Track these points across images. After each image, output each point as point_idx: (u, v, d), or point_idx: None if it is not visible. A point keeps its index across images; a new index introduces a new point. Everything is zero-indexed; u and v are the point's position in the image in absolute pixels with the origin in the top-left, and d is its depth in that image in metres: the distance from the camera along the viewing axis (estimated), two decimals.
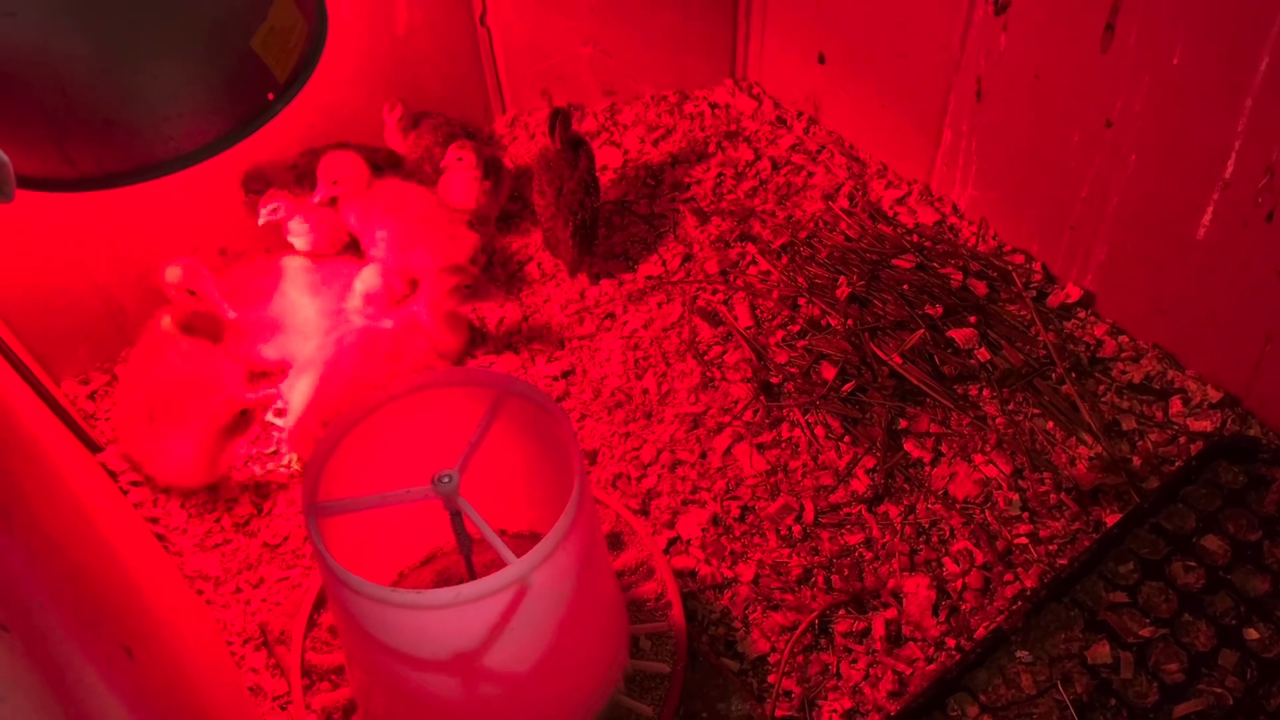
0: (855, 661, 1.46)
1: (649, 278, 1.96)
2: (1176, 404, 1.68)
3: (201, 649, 1.39)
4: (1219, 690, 1.34)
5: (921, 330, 1.76)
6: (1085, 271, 1.80)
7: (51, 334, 1.78)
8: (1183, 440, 1.64)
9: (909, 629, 1.48)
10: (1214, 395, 1.67)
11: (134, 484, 1.70)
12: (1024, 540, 1.55)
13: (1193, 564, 1.45)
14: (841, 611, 1.50)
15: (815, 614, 1.49)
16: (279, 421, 1.77)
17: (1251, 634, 1.38)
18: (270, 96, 1.20)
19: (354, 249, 1.95)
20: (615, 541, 1.59)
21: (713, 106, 2.27)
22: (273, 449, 1.75)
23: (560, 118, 1.89)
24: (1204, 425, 1.65)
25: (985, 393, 1.73)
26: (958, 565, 1.53)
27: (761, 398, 1.75)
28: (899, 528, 1.59)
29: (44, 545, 0.92)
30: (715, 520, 1.61)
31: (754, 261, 1.97)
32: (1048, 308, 1.82)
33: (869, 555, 1.56)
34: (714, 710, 1.40)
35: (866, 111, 2.08)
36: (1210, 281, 1.60)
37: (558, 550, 1.08)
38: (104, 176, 1.15)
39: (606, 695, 1.33)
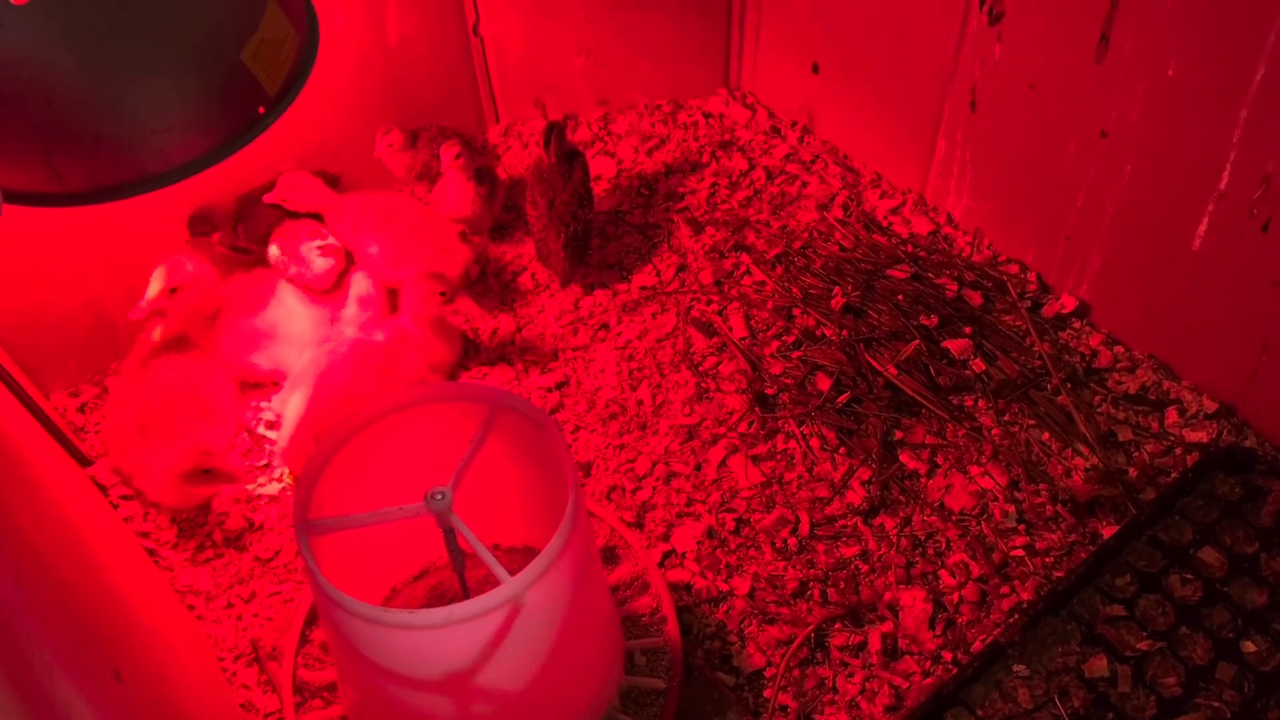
0: (851, 675, 1.45)
1: (643, 288, 1.96)
2: (1172, 415, 1.68)
3: (192, 666, 1.38)
4: (1216, 704, 1.33)
5: (916, 341, 1.76)
6: (1080, 281, 1.79)
7: (41, 347, 1.76)
8: (1179, 451, 1.63)
9: (905, 642, 1.47)
10: (1210, 406, 1.67)
11: (124, 498, 1.69)
12: (1020, 552, 1.55)
13: (1190, 576, 1.44)
14: (838, 625, 1.50)
15: (811, 627, 1.48)
16: (271, 434, 1.76)
17: (1249, 647, 1.37)
18: (261, 110, 1.19)
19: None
20: (610, 555, 1.58)
21: (706, 116, 2.26)
22: (264, 462, 1.74)
23: (556, 131, 1.88)
24: (1200, 436, 1.64)
25: (981, 404, 1.72)
26: (954, 578, 1.53)
27: (756, 409, 1.74)
28: (895, 540, 1.58)
29: (33, 566, 0.91)
30: (710, 533, 1.60)
31: (748, 272, 1.96)
32: (1043, 318, 1.81)
33: (865, 568, 1.56)
34: None
35: (861, 121, 2.08)
36: (1205, 292, 1.60)
37: (552, 568, 1.07)
38: (93, 191, 1.14)
39: (601, 712, 1.32)
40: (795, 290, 1.90)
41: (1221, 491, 1.53)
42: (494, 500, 1.34)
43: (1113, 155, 1.61)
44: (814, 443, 1.70)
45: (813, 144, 2.18)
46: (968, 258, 1.93)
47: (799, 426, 1.72)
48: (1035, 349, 1.76)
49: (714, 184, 2.13)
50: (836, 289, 1.87)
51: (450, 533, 1.16)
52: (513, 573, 1.05)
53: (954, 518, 1.60)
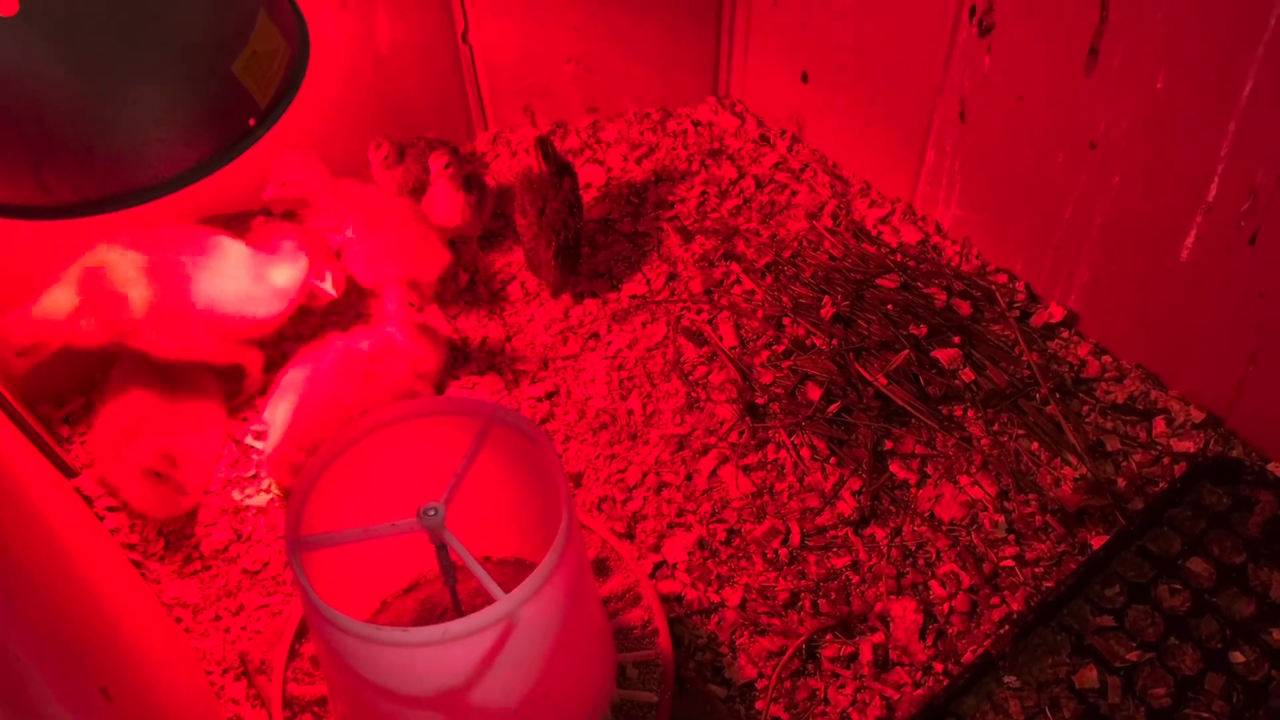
0: (843, 687, 1.45)
1: (633, 297, 1.95)
2: (1160, 424, 1.68)
3: (180, 681, 1.37)
4: (1206, 715, 1.34)
5: (906, 351, 1.76)
6: (1069, 291, 1.80)
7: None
8: (1166, 461, 1.64)
9: (896, 653, 1.48)
10: (1197, 416, 1.68)
11: (110, 509, 1.67)
12: (1010, 563, 1.55)
13: (1178, 587, 1.45)
14: (829, 636, 1.50)
15: (802, 639, 1.48)
16: (258, 445, 1.74)
17: (1237, 657, 1.38)
18: (252, 122, 1.18)
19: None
20: (601, 567, 1.57)
21: (696, 124, 2.26)
22: (252, 473, 1.73)
23: (545, 144, 1.88)
24: (1187, 446, 1.65)
25: (970, 413, 1.73)
26: (944, 588, 1.53)
27: (747, 419, 1.74)
28: (885, 550, 1.58)
29: (24, 588, 0.90)
30: (701, 543, 1.60)
31: (738, 281, 1.96)
32: (1031, 328, 1.82)
33: (856, 578, 1.56)
34: None
35: (850, 130, 2.08)
36: (1193, 302, 1.61)
37: (546, 584, 1.06)
38: (80, 204, 1.13)
39: None
40: (785, 299, 1.90)
41: (1209, 502, 1.55)
42: (485, 513, 1.34)
43: (1101, 166, 1.62)
44: (804, 453, 1.70)
45: (802, 153, 2.19)
46: (957, 267, 1.93)
47: (789, 436, 1.72)
48: (1024, 359, 1.77)
49: (703, 192, 2.13)
50: (826, 298, 1.87)
51: (443, 548, 1.16)
52: (504, 585, 1.04)
53: (944, 528, 1.60)
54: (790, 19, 2.05)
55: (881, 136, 2.01)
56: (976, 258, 1.94)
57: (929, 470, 1.67)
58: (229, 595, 1.58)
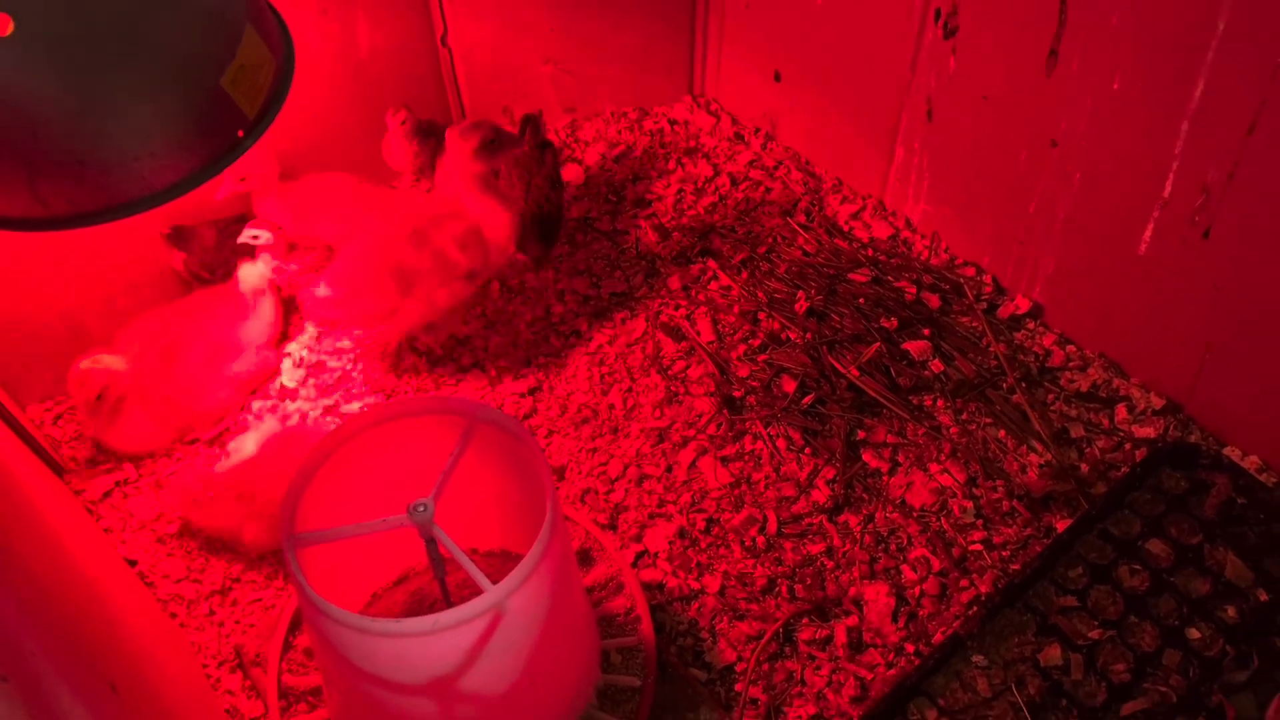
0: (819, 668, 1.50)
1: (613, 294, 2.00)
2: (1122, 411, 1.75)
3: (178, 674, 1.41)
4: (1163, 689, 1.40)
5: (878, 343, 1.82)
6: (1034, 284, 1.86)
7: (15, 359, 1.78)
8: (1128, 447, 1.71)
9: (870, 635, 1.54)
10: (1157, 403, 1.74)
11: (106, 496, 1.71)
12: (978, 547, 1.61)
13: (1138, 567, 1.51)
14: (805, 620, 1.55)
15: (780, 623, 1.54)
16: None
17: (1193, 634, 1.45)
18: (240, 133, 1.22)
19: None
20: (585, 557, 1.62)
21: (672, 123, 2.31)
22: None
23: (532, 123, 1.96)
24: (1148, 432, 1.72)
25: (939, 403, 1.79)
26: (915, 572, 1.59)
27: (724, 411, 1.80)
28: (859, 537, 1.64)
29: (32, 591, 0.95)
30: (682, 533, 1.66)
31: (715, 277, 2.02)
32: (998, 319, 1.88)
33: (830, 564, 1.61)
34: None
35: (822, 128, 2.13)
36: (1152, 294, 1.67)
37: (532, 575, 1.11)
38: (76, 216, 1.16)
39: (579, 711, 1.37)
40: (760, 294, 1.96)
41: (1168, 486, 1.61)
42: (471, 507, 1.39)
43: (1063, 164, 1.68)
44: (780, 443, 1.76)
45: (775, 150, 2.24)
46: (926, 261, 1.99)
47: (766, 428, 1.77)
48: (991, 349, 1.83)
49: (680, 190, 2.18)
50: (800, 293, 1.92)
51: (432, 542, 1.20)
52: (491, 577, 1.09)
53: (915, 514, 1.66)
54: (762, 20, 2.10)
55: (852, 134, 2.06)
56: (945, 251, 2.00)
57: (900, 459, 1.72)
58: (222, 591, 1.61)
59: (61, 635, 0.95)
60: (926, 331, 1.84)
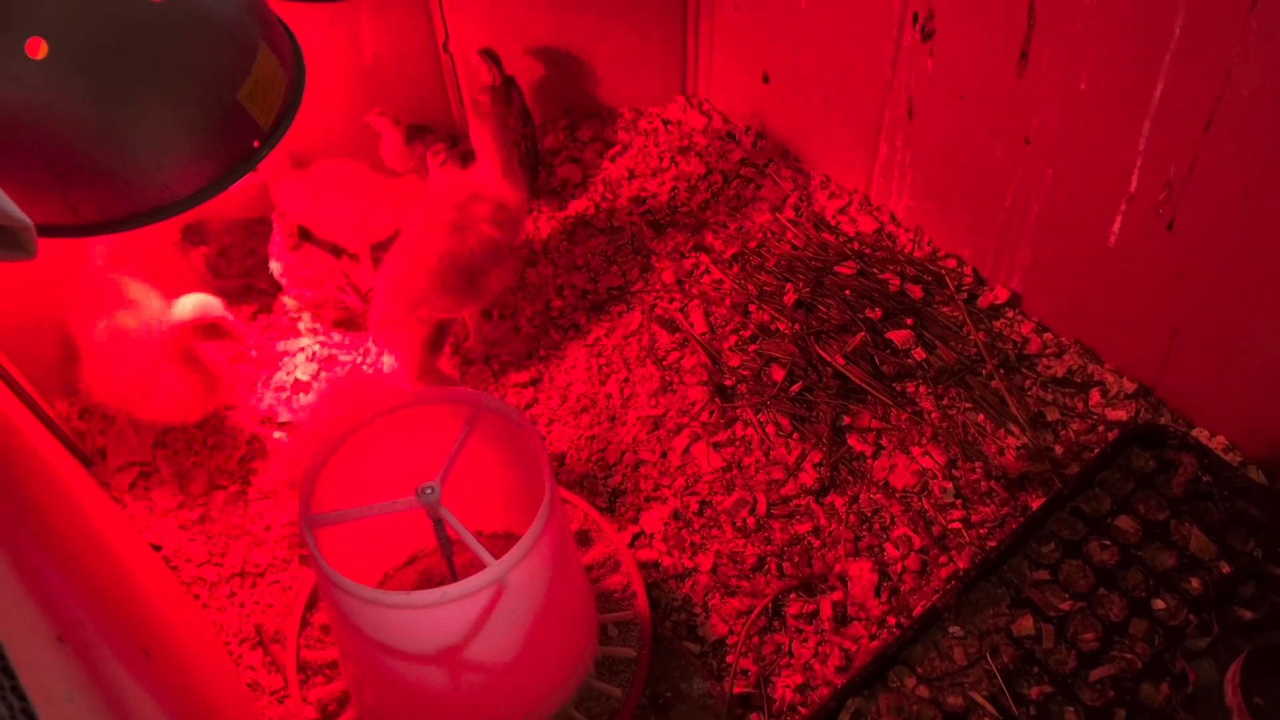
0: (806, 641, 1.59)
1: (610, 288, 2.09)
2: (1096, 395, 1.83)
3: (203, 650, 1.50)
4: (1130, 656, 1.48)
5: (862, 333, 1.90)
6: (1012, 274, 1.94)
7: (43, 356, 1.87)
8: (1101, 429, 1.79)
9: (854, 609, 1.62)
10: (1129, 387, 1.82)
11: (131, 487, 1.80)
12: (957, 525, 1.70)
13: (1108, 543, 1.59)
14: (792, 595, 1.64)
15: (769, 598, 1.63)
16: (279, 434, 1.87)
17: (1159, 604, 1.53)
18: (256, 144, 1.31)
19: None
20: (584, 538, 1.71)
21: (666, 123, 2.39)
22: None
23: (492, 56, 2.06)
24: (1120, 415, 1.80)
25: (922, 389, 1.87)
26: (898, 550, 1.68)
27: (717, 399, 1.88)
28: (844, 517, 1.73)
29: (70, 564, 1.04)
30: (676, 515, 1.74)
31: (707, 271, 2.10)
32: (978, 309, 1.97)
33: (817, 543, 1.70)
34: (677, 690, 1.53)
35: (809, 127, 2.21)
36: (1122, 283, 1.75)
37: (531, 552, 1.20)
38: (104, 223, 1.25)
39: (579, 680, 1.46)
40: (751, 287, 2.04)
41: (1137, 465, 1.69)
42: (476, 491, 1.47)
43: (1035, 160, 1.76)
44: (770, 429, 1.84)
45: (765, 148, 2.32)
46: (909, 254, 2.07)
47: (756, 415, 1.86)
48: (971, 337, 1.91)
49: (674, 188, 2.26)
50: (789, 285, 2.01)
51: (439, 523, 1.29)
52: (495, 555, 1.18)
53: (897, 495, 1.74)
54: (750, 23, 2.18)
55: (838, 132, 2.14)
56: (928, 244, 2.08)
57: (884, 442, 1.81)
58: (242, 574, 1.70)
59: (99, 605, 1.05)
60: (909, 321, 1.93)
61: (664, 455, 1.83)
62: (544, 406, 1.91)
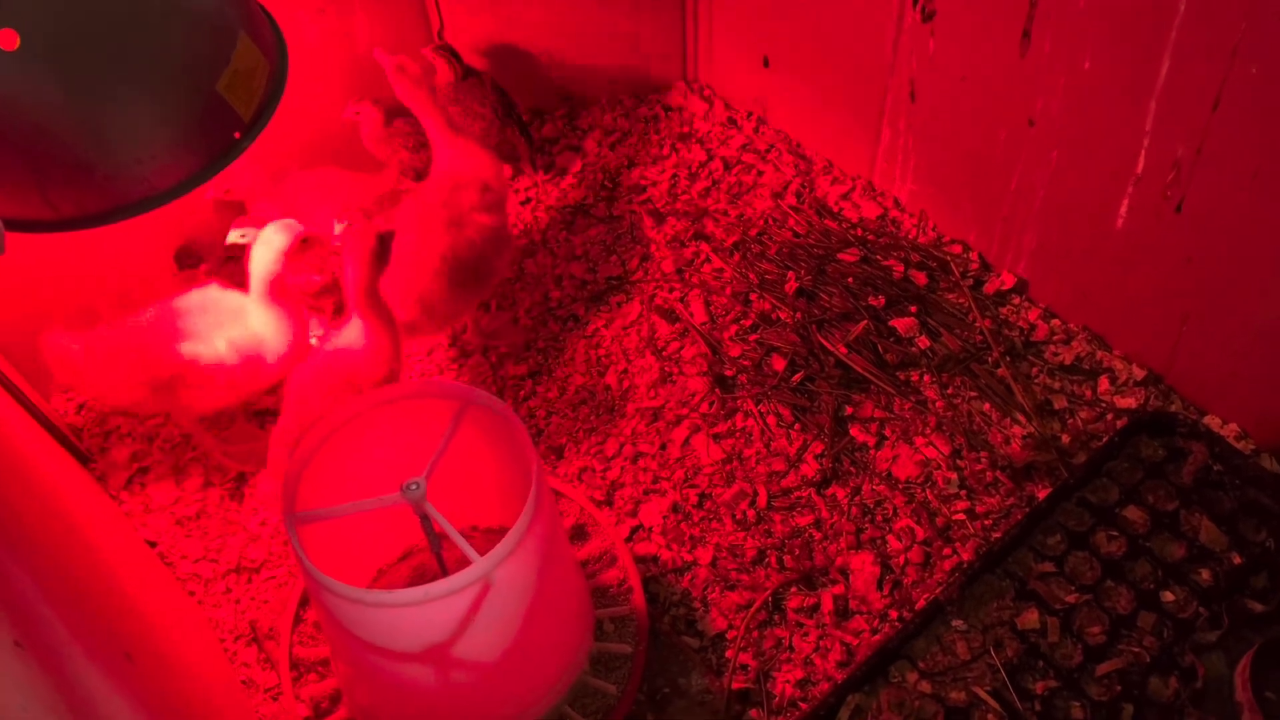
0: (806, 635, 1.57)
1: (609, 278, 2.06)
2: (1104, 383, 1.79)
3: (196, 647, 1.49)
4: (1137, 649, 1.45)
5: (865, 321, 1.87)
6: (1018, 259, 1.90)
7: (37, 352, 1.86)
8: (1110, 417, 1.75)
9: (855, 603, 1.60)
10: (1139, 373, 1.78)
11: (128, 483, 1.80)
12: (962, 516, 1.66)
13: (1115, 534, 1.56)
14: (793, 589, 1.61)
15: (769, 592, 1.60)
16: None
17: (1168, 596, 1.49)
18: (237, 135, 1.29)
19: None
20: (579, 533, 1.69)
21: (666, 109, 2.35)
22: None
23: (450, 51, 2.03)
24: (1129, 402, 1.76)
25: (925, 378, 1.83)
26: (900, 542, 1.65)
27: (717, 390, 1.86)
28: (846, 508, 1.70)
29: (47, 566, 1.02)
30: (675, 508, 1.72)
31: (708, 259, 2.07)
32: (984, 295, 1.93)
33: (818, 535, 1.67)
34: (675, 685, 1.51)
35: (811, 111, 2.18)
36: (1130, 267, 1.71)
37: (519, 548, 1.18)
38: (84, 218, 1.24)
39: (573, 677, 1.44)
40: (752, 276, 2.01)
41: (1146, 454, 1.65)
42: (470, 486, 1.46)
43: (1040, 142, 1.72)
44: (771, 420, 1.81)
45: (767, 133, 2.28)
46: (914, 239, 2.03)
47: (757, 405, 1.83)
48: (977, 325, 1.87)
49: (674, 175, 2.23)
50: (790, 274, 1.97)
51: (426, 519, 1.27)
52: (485, 554, 1.16)
53: (900, 486, 1.71)
54: (750, 6, 2.14)
55: (840, 116, 2.11)
56: (933, 230, 2.04)
57: (887, 433, 1.78)
58: (237, 570, 1.69)
59: (77, 609, 1.03)
60: (914, 309, 1.89)
61: (663, 447, 1.80)
62: (542, 399, 1.89)
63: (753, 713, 1.49)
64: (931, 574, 1.61)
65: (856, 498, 1.71)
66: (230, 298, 1.73)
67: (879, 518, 1.69)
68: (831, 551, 1.65)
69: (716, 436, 1.80)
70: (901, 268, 1.95)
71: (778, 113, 2.26)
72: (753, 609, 1.59)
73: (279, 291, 1.71)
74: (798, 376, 1.84)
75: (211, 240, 1.99)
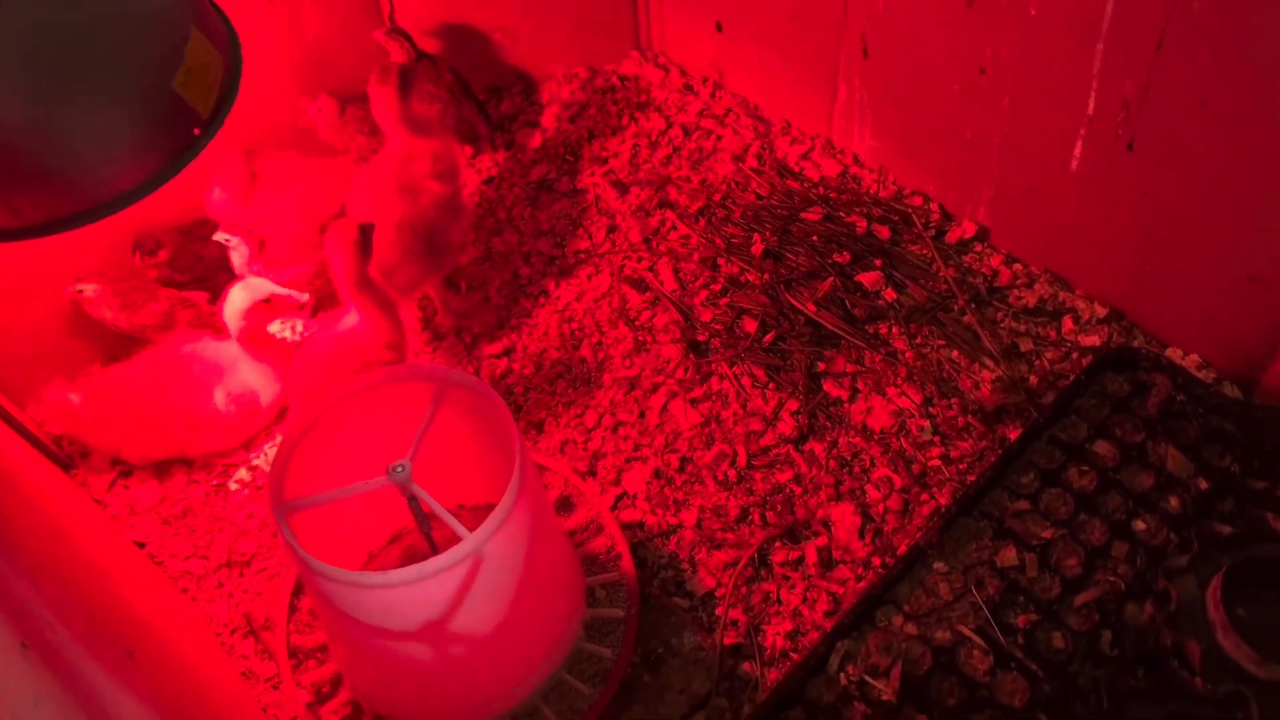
0: (793, 587, 1.60)
1: (577, 252, 2.07)
2: (1068, 323, 1.83)
3: (194, 643, 1.51)
4: (1113, 578, 1.49)
5: (832, 278, 1.89)
6: (978, 208, 1.93)
7: (12, 359, 1.85)
8: (1075, 356, 1.79)
9: (839, 553, 1.63)
10: (1101, 311, 1.82)
11: (111, 486, 1.80)
12: (937, 462, 1.70)
13: (1086, 469, 1.60)
14: (778, 544, 1.65)
15: (754, 548, 1.63)
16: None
17: (1139, 525, 1.53)
18: (196, 131, 1.29)
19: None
20: (565, 504, 1.72)
21: (622, 80, 2.36)
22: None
23: (402, 34, 2.04)
24: (1093, 340, 1.80)
25: (894, 330, 1.87)
26: (879, 491, 1.68)
27: (691, 356, 1.88)
28: (824, 462, 1.73)
29: (44, 574, 1.03)
30: (657, 473, 1.74)
31: (674, 227, 2.09)
32: (947, 245, 1.96)
33: (799, 490, 1.71)
34: (669, 645, 1.54)
35: (766, 73, 2.19)
36: (1087, 207, 1.74)
37: (506, 522, 1.20)
38: (50, 223, 1.23)
39: (568, 644, 1.47)
40: (718, 240, 2.03)
41: (1112, 389, 1.69)
42: (455, 465, 1.47)
43: (992, 90, 1.74)
44: (745, 381, 1.84)
45: (724, 98, 2.30)
46: (875, 194, 2.06)
47: (731, 368, 1.86)
48: (941, 274, 1.90)
49: (635, 145, 2.24)
50: (756, 236, 2.00)
51: (414, 499, 1.29)
52: (474, 528, 1.18)
53: (876, 437, 1.75)
54: None
55: (795, 76, 2.12)
56: (893, 184, 2.07)
57: (860, 386, 1.81)
58: (228, 565, 1.71)
59: (77, 610, 1.04)
60: (878, 262, 1.92)
61: (642, 415, 1.83)
62: (519, 376, 1.91)
63: (745, 666, 1.53)
64: (911, 520, 1.65)
65: (834, 451, 1.74)
66: (225, 348, 1.82)
67: (857, 469, 1.72)
68: (812, 505, 1.68)
69: (693, 401, 1.83)
70: (864, 223, 1.98)
71: (734, 76, 2.28)
72: (739, 566, 1.62)
73: (255, 343, 1.80)
74: (769, 337, 1.87)
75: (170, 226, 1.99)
